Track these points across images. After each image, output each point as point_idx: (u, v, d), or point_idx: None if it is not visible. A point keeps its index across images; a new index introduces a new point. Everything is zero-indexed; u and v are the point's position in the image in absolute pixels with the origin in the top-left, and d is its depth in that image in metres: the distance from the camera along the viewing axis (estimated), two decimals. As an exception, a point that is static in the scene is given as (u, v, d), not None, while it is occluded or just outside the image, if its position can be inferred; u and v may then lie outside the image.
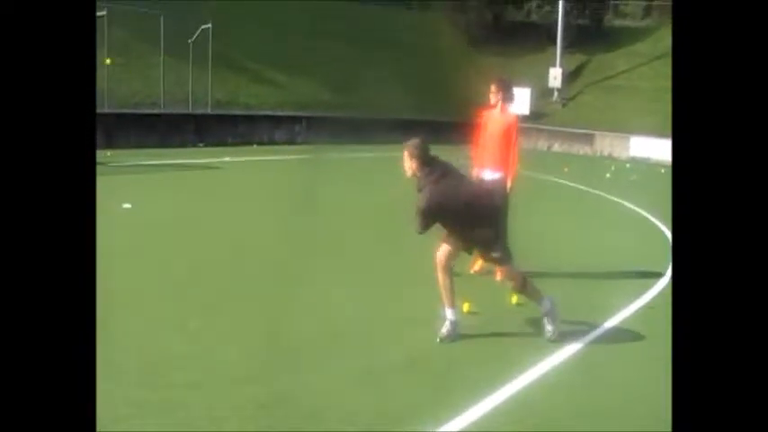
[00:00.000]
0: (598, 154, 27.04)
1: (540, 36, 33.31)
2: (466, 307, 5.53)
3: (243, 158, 17.68)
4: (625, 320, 5.82)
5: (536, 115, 29.14)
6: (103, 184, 9.27)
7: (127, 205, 9.45)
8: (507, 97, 6.81)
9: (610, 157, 26.04)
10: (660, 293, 6.64)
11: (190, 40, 20.83)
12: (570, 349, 4.99)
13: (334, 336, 5.04)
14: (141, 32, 21.11)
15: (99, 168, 10.59)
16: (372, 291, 6.30)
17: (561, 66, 31.18)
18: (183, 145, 19.50)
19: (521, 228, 6.23)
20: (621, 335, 5.47)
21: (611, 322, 5.72)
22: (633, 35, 33.12)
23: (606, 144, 27.11)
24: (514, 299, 5.74)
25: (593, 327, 5.52)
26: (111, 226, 7.51)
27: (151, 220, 9.12)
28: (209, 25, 20.79)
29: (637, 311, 6.09)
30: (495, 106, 6.84)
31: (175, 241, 7.99)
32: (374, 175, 16.09)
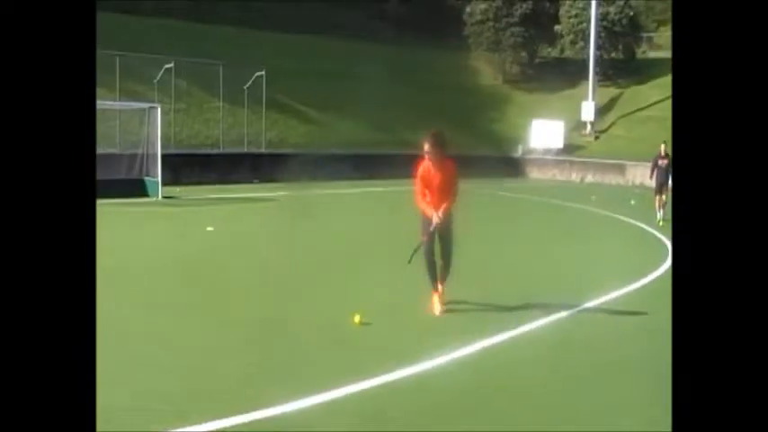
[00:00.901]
0: (630, 183, 27.95)
1: (573, 71, 34.35)
2: (357, 318, 5.83)
3: (295, 193, 19.43)
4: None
5: (569, 148, 30.24)
6: (186, 213, 13.74)
7: (210, 228, 12.12)
8: (444, 148, 6.65)
9: (641, 186, 26.77)
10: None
11: (245, 86, 22.92)
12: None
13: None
14: (201, 81, 23.33)
15: (175, 201, 14.67)
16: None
17: (594, 99, 32.19)
18: (239, 181, 21.66)
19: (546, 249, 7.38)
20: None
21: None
22: (666, 66, 33.43)
23: (638, 173, 27.88)
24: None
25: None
26: (201, 243, 10.48)
27: (232, 238, 11.57)
28: (263, 72, 22.84)
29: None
30: (436, 160, 6.56)
31: (252, 255, 9.94)
32: (409, 206, 17.65)
